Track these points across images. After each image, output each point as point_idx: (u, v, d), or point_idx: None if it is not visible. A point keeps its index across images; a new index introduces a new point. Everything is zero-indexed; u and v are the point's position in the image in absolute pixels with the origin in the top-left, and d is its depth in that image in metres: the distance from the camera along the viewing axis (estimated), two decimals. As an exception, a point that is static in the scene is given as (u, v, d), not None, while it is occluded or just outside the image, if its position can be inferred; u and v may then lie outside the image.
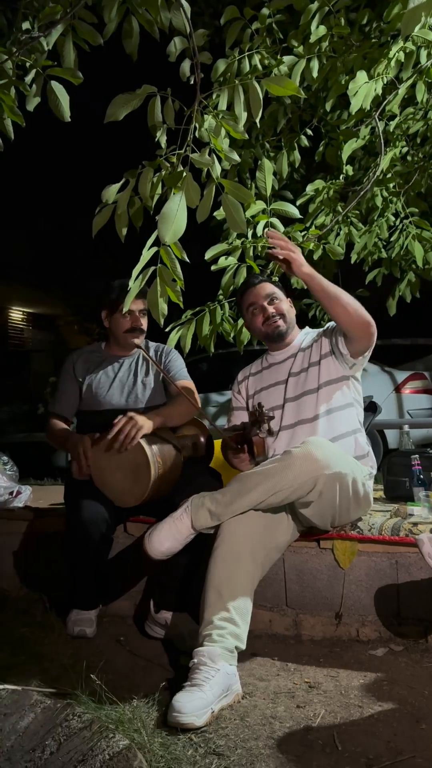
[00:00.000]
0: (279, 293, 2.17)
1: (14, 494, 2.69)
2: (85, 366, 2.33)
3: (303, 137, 3.29)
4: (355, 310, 1.88)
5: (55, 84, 1.69)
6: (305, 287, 2.85)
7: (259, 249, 2.80)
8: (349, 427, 2.01)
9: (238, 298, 2.25)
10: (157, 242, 1.39)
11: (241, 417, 2.27)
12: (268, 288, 2.16)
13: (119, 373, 2.31)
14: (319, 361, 2.06)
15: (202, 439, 2.33)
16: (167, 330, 2.56)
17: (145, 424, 1.97)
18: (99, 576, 2.05)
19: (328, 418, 2.00)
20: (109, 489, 1.99)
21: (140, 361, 2.36)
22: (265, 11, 2.63)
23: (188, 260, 1.43)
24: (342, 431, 1.99)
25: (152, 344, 2.42)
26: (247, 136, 1.72)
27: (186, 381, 2.29)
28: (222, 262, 2.68)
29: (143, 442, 1.92)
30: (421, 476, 2.30)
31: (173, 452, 2.04)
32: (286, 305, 2.18)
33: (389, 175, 3.03)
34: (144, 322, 2.30)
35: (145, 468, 1.91)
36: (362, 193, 2.78)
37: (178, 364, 2.33)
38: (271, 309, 2.14)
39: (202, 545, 1.78)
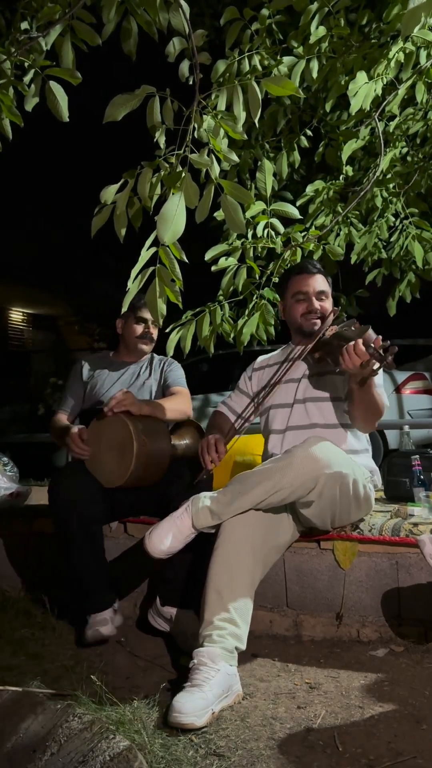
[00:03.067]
0: (329, 292, 2.10)
1: (14, 495, 2.70)
2: (92, 369, 2.46)
3: (303, 138, 3.29)
4: (374, 422, 1.93)
5: (53, 84, 1.69)
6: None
7: (259, 249, 2.79)
8: (350, 447, 1.98)
9: (286, 277, 2.15)
10: (156, 243, 1.39)
11: (242, 401, 2.25)
12: (321, 284, 2.08)
13: (123, 376, 2.42)
14: (334, 372, 2.00)
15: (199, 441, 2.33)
16: (167, 331, 2.57)
17: (135, 402, 2.04)
18: (100, 570, 2.01)
19: (335, 431, 1.97)
20: (100, 472, 2.04)
21: (144, 368, 2.45)
22: (265, 12, 2.63)
23: (187, 260, 1.43)
24: (345, 448, 1.94)
25: (155, 357, 2.53)
26: (245, 136, 1.72)
27: (181, 387, 2.38)
28: (222, 262, 2.68)
29: (128, 421, 1.97)
30: (422, 477, 2.30)
31: (160, 435, 2.07)
32: (329, 305, 2.10)
33: (389, 176, 3.03)
34: (155, 332, 2.44)
35: (129, 443, 1.95)
36: (362, 193, 2.78)
37: (177, 374, 2.44)
38: (317, 305, 2.05)
39: (205, 544, 1.77)
